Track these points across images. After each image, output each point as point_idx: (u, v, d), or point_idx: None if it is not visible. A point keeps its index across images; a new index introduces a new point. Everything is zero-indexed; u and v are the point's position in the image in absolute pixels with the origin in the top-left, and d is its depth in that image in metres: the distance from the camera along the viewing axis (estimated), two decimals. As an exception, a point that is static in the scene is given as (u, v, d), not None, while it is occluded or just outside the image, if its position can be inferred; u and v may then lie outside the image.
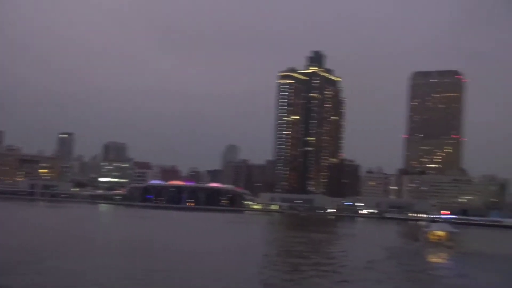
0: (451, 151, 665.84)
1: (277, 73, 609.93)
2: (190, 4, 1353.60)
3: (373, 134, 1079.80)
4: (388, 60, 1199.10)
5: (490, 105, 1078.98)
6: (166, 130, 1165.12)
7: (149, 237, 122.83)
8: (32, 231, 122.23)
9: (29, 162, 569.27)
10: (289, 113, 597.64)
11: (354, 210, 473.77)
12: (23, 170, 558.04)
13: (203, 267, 73.53)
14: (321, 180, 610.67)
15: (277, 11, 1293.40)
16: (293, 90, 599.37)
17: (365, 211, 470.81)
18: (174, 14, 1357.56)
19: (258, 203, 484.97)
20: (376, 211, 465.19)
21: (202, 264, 76.65)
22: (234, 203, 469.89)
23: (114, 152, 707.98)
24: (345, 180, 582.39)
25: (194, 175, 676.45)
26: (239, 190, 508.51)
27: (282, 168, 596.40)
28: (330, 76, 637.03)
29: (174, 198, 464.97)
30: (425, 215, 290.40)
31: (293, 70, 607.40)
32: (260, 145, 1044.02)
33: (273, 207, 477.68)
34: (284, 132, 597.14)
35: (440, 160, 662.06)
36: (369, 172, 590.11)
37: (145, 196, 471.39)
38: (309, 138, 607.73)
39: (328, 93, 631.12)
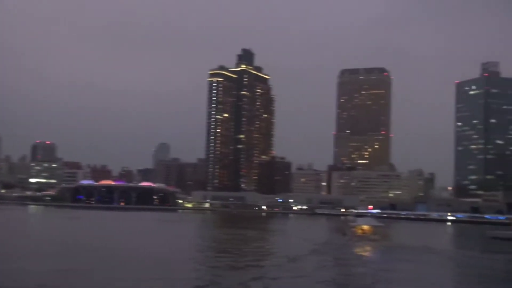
0: (379, 147, 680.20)
1: (208, 71, 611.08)
2: (124, 2, 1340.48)
3: (304, 131, 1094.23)
4: (319, 57, 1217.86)
5: (416, 101, 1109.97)
6: (96, 130, 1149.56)
7: (75, 237, 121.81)
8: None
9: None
10: (220, 111, 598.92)
11: (285, 206, 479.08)
12: None
13: (127, 266, 73.76)
14: (252, 177, 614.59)
15: (207, 10, 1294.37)
16: (223, 88, 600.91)
17: (296, 208, 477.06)
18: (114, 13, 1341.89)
19: (190, 202, 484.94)
20: (307, 207, 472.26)
21: (125, 263, 76.88)
22: (167, 202, 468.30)
23: (42, 152, 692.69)
24: (276, 177, 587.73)
25: (126, 175, 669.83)
26: (171, 189, 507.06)
27: (213, 166, 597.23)
28: (260, 74, 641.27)
29: (105, 198, 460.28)
30: (353, 210, 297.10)
31: (223, 68, 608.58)
32: (191, 144, 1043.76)
33: (205, 205, 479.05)
34: (215, 130, 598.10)
35: (369, 156, 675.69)
36: (300, 168, 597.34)
37: (76, 197, 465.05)
38: (240, 136, 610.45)
39: (259, 91, 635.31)
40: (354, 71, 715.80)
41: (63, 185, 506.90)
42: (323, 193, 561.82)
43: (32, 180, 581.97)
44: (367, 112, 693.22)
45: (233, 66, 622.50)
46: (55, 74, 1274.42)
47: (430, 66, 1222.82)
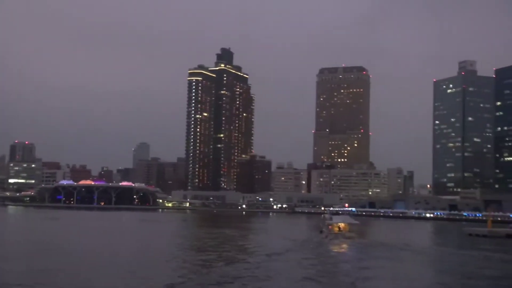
0: (358, 145, 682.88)
1: (187, 71, 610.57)
2: (104, 4, 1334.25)
3: (284, 130, 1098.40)
4: (297, 56, 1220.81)
5: (395, 100, 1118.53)
6: (76, 130, 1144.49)
7: (53, 238, 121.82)
8: None
9: None
10: (199, 111, 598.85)
11: (266, 205, 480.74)
12: None
13: (103, 266, 74.10)
14: (232, 176, 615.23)
15: (185, 10, 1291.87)
16: (202, 88, 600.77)
17: (276, 206, 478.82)
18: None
19: (170, 201, 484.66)
20: (287, 205, 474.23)
21: (101, 263, 77.24)
22: (147, 201, 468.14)
23: (21, 152, 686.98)
24: (256, 176, 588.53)
25: (105, 174, 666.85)
26: (151, 188, 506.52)
27: (193, 165, 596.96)
28: (239, 73, 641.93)
29: (85, 198, 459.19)
30: (330, 208, 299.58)
31: (202, 68, 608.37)
32: (171, 143, 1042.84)
33: (186, 204, 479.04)
34: (194, 130, 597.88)
35: (348, 155, 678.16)
36: (280, 167, 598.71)
37: (56, 197, 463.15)
38: (220, 135, 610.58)
39: (238, 90, 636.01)
40: (333, 70, 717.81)
41: (43, 185, 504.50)
42: (303, 191, 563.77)
43: (11, 180, 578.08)
44: (346, 110, 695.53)
45: (212, 66, 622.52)
46: (33, 75, 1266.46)
47: (408, 65, 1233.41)
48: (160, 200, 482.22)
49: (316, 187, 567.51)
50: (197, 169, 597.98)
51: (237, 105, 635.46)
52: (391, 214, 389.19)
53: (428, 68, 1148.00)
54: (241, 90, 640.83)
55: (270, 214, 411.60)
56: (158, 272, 69.10)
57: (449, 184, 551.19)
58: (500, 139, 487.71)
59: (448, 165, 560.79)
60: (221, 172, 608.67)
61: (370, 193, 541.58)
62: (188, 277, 64.41)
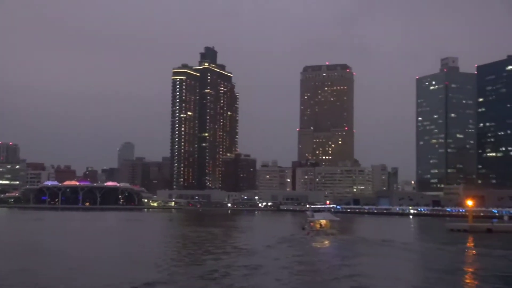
0: (343, 142, 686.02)
1: (171, 70, 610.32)
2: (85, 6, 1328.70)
3: (268, 129, 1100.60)
4: (282, 55, 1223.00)
5: (378, 97, 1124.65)
6: (60, 131, 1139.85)
7: (36, 239, 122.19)
8: None
9: None
10: (184, 110, 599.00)
11: (251, 203, 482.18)
12: None
13: (86, 266, 74.60)
14: (217, 175, 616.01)
15: (168, 9, 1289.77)
16: (186, 87, 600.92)
17: (262, 204, 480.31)
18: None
19: (155, 201, 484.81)
20: (272, 203, 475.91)
21: (85, 263, 77.75)
22: (132, 201, 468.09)
23: (5, 153, 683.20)
24: (241, 174, 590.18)
25: (90, 175, 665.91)
26: (136, 188, 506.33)
27: (178, 164, 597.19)
28: (223, 72, 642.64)
29: (70, 199, 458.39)
30: (312, 206, 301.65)
31: (186, 67, 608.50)
32: (156, 143, 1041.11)
33: (171, 204, 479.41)
34: (179, 129, 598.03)
35: (332, 152, 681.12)
36: (264, 165, 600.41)
37: (40, 198, 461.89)
38: (204, 134, 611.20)
39: (222, 88, 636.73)
40: (317, 68, 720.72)
41: (27, 186, 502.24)
42: (288, 189, 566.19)
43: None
44: (330, 108, 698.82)
45: (196, 65, 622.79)
46: (16, 77, 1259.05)
47: (391, 62, 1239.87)
48: (146, 200, 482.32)
49: (301, 185, 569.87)
50: (182, 168, 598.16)
51: (222, 104, 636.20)
52: (375, 211, 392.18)
53: (410, 65, 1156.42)
54: (225, 89, 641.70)
55: (256, 212, 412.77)
56: (141, 270, 69.80)
57: (432, 180, 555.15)
58: (483, 135, 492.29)
59: (431, 161, 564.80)
60: (206, 171, 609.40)
61: (354, 190, 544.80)
62: (168, 273, 65.57)
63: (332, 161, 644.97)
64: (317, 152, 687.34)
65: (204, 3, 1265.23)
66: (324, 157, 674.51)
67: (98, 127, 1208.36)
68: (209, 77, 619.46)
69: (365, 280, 62.23)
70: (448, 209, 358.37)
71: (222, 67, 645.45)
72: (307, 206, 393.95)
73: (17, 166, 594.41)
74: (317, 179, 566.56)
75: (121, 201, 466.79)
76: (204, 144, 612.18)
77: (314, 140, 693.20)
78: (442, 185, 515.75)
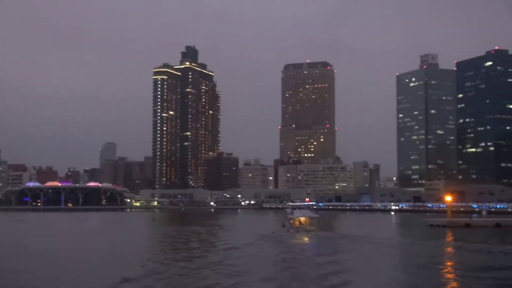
0: (324, 140, 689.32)
1: (153, 69, 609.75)
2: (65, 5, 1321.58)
3: (251, 127, 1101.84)
4: (262, 52, 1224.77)
5: (359, 94, 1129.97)
6: (41, 131, 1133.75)
7: (18, 239, 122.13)
8: None
9: None
10: (165, 109, 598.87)
11: (234, 202, 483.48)
12: None
13: (68, 266, 74.95)
14: (200, 174, 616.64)
15: (148, 8, 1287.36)
16: (168, 86, 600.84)
17: (244, 203, 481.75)
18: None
19: (138, 201, 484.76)
20: (255, 202, 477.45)
21: (66, 263, 78.11)
22: (114, 201, 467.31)
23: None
24: (224, 173, 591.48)
25: (72, 175, 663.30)
26: (118, 188, 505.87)
27: (160, 164, 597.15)
28: (204, 71, 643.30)
29: (52, 200, 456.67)
30: (291, 203, 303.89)
31: (167, 66, 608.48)
32: (138, 142, 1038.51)
33: (154, 203, 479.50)
34: (161, 128, 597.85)
35: (314, 149, 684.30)
36: (247, 164, 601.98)
37: (22, 199, 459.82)
38: (186, 133, 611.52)
39: (203, 87, 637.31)
40: (298, 66, 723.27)
41: (9, 188, 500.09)
42: (271, 187, 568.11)
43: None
44: (312, 106, 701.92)
45: (177, 64, 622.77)
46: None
47: (372, 60, 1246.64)
48: (128, 200, 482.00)
49: (283, 183, 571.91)
50: (164, 168, 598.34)
51: (203, 103, 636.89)
52: (357, 208, 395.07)
53: (391, 62, 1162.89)
54: (206, 88, 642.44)
55: (238, 210, 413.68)
56: (120, 268, 70.26)
57: (413, 176, 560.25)
58: (462, 131, 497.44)
59: (412, 157, 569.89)
60: (189, 170, 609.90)
61: (336, 187, 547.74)
62: (147, 270, 66.41)
63: (314, 158, 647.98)
64: (299, 149, 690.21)
65: (184, 2, 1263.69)
66: (306, 155, 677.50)
67: (79, 127, 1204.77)
68: (190, 76, 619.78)
69: (345, 276, 63.14)
70: (429, 205, 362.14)
71: (203, 66, 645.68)
72: (290, 204, 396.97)
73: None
74: (299, 177, 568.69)
75: (103, 202, 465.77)
76: (186, 143, 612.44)
77: (296, 138, 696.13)
78: (423, 181, 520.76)
